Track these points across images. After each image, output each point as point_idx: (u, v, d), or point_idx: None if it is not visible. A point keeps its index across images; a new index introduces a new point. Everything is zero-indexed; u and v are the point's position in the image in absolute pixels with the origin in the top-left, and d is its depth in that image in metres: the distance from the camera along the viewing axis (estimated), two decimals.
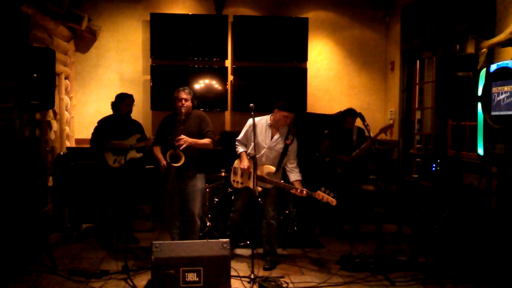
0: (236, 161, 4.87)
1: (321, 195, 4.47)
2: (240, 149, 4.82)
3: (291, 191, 4.67)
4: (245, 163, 4.68)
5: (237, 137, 4.91)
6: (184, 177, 4.60)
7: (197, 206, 4.65)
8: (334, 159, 5.85)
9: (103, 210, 5.51)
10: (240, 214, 4.92)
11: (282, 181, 4.84)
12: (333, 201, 4.45)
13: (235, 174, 4.84)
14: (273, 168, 4.67)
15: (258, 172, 4.61)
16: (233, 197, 5.25)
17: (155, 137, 4.88)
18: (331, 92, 7.50)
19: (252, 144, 4.62)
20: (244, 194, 4.86)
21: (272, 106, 4.77)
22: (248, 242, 5.29)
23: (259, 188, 4.56)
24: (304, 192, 4.52)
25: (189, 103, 4.65)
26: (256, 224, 5.01)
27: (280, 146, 4.72)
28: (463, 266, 4.41)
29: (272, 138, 4.75)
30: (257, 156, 4.60)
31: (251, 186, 4.55)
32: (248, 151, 4.77)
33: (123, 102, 5.39)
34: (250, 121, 4.73)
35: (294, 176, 4.73)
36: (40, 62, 4.52)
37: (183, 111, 4.56)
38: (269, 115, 4.83)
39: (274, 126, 4.77)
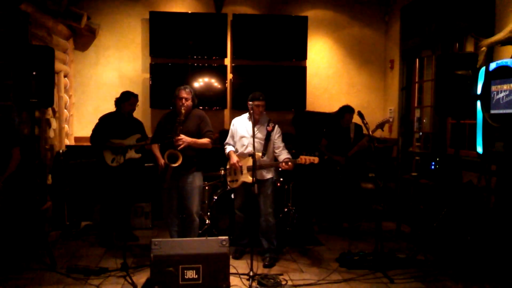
0: (228, 163, 4.94)
1: (303, 159, 4.59)
2: (228, 148, 4.93)
3: (280, 167, 4.74)
4: (233, 159, 4.78)
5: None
6: (181, 175, 4.60)
7: (195, 204, 4.65)
8: (330, 158, 5.85)
9: (102, 208, 5.50)
10: (242, 212, 4.93)
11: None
12: (315, 159, 4.60)
13: (230, 174, 4.91)
14: (259, 154, 4.72)
15: (248, 163, 4.67)
16: (232, 195, 5.26)
17: (154, 134, 4.87)
18: (330, 90, 7.50)
19: (238, 139, 4.86)
20: (241, 192, 4.89)
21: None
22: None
23: (251, 178, 4.54)
24: (289, 163, 4.63)
25: (189, 102, 4.64)
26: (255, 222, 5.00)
27: (263, 133, 4.84)
28: (462, 264, 4.41)
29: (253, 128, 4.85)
30: (243, 148, 4.81)
31: (246, 180, 4.67)
32: (236, 147, 4.90)
33: (128, 101, 5.38)
34: (233, 122, 5.00)
35: (283, 156, 4.82)
36: (39, 60, 4.51)
37: (183, 111, 4.55)
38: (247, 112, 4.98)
39: (252, 118, 4.85)
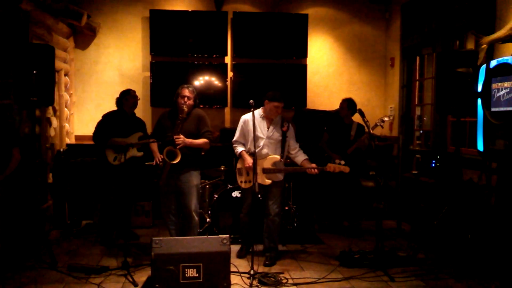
0: (239, 162, 4.85)
1: (332, 167, 4.51)
2: (239, 148, 4.81)
3: (306, 171, 4.63)
4: (248, 160, 4.65)
5: (233, 138, 4.91)
6: (178, 174, 4.60)
7: (193, 202, 4.65)
8: (329, 155, 5.85)
9: (103, 207, 5.51)
10: (248, 214, 4.87)
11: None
12: (346, 168, 4.49)
13: (241, 174, 4.81)
14: (277, 157, 4.66)
15: (264, 165, 4.63)
16: (234, 194, 5.26)
17: (153, 131, 4.88)
18: (331, 88, 7.49)
19: (251, 139, 4.65)
20: (249, 193, 4.77)
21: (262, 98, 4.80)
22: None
23: (268, 181, 4.61)
24: (316, 170, 4.57)
25: (191, 102, 4.63)
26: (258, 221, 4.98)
27: (278, 134, 4.73)
28: (463, 262, 4.41)
29: (268, 128, 4.75)
30: (257, 148, 4.62)
31: (261, 182, 4.59)
32: (248, 146, 4.77)
33: (129, 94, 5.39)
34: (242, 118, 4.83)
35: (300, 157, 4.74)
36: (40, 58, 4.51)
37: (185, 109, 4.55)
38: (260, 108, 4.83)
39: (267, 118, 4.78)
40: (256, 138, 4.63)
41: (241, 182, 4.81)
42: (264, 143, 4.71)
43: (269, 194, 4.76)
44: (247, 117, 4.80)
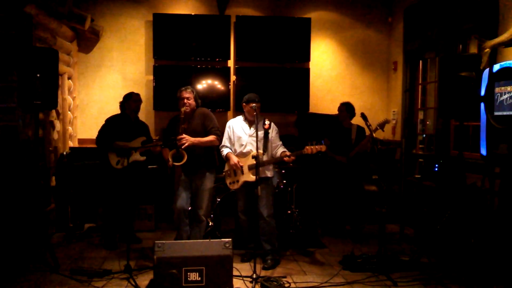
0: (226, 165, 4.93)
1: (309, 149, 4.56)
2: (225, 151, 4.89)
3: (283, 159, 4.69)
4: (233, 159, 4.75)
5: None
6: (193, 176, 4.63)
7: (204, 206, 4.70)
8: (333, 158, 5.84)
9: (105, 210, 5.51)
10: (245, 215, 4.91)
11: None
12: (323, 147, 4.57)
13: (229, 176, 4.88)
14: (260, 151, 4.70)
15: (249, 162, 4.69)
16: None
17: (163, 139, 4.92)
18: (333, 92, 7.49)
19: (236, 139, 4.84)
20: (242, 194, 4.87)
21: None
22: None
23: (253, 177, 4.59)
24: (292, 157, 4.64)
25: (192, 102, 4.69)
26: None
27: (260, 132, 4.81)
28: (466, 267, 4.40)
29: (250, 128, 4.87)
30: (242, 147, 4.79)
31: (248, 179, 4.66)
32: (235, 148, 4.86)
33: (131, 98, 5.41)
34: (227, 123, 4.99)
35: (279, 150, 4.83)
36: (43, 62, 4.52)
37: (183, 109, 4.62)
38: (242, 114, 4.99)
39: (248, 120, 4.90)
40: (240, 140, 4.83)
41: (230, 184, 4.89)
42: (247, 141, 4.82)
43: (260, 195, 4.74)
44: (231, 121, 5.00)
